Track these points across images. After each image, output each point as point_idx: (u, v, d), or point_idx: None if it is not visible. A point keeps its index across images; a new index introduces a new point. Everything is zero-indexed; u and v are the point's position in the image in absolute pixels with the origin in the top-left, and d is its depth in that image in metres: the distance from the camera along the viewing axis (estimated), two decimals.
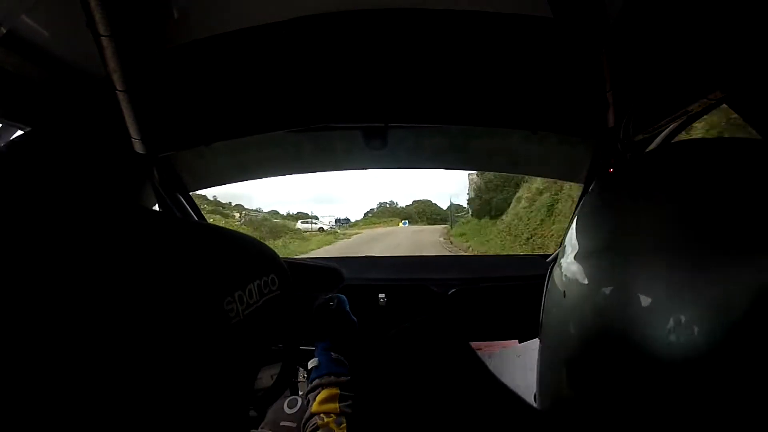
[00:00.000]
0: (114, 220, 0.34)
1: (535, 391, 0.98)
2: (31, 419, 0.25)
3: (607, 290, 0.36)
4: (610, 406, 0.34)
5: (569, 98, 1.14)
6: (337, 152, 1.54)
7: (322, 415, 0.72)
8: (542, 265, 1.51)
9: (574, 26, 0.98)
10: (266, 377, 0.84)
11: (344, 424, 0.71)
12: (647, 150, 1.08)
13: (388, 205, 38.40)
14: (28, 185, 0.45)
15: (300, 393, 0.90)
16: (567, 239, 0.45)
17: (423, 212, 33.44)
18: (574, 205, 1.46)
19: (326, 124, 1.31)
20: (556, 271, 0.46)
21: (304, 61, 1.14)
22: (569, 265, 0.43)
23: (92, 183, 0.53)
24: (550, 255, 1.50)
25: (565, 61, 1.07)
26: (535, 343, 1.13)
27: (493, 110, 1.22)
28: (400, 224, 28.98)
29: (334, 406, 0.73)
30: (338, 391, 0.75)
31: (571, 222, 1.52)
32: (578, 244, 0.43)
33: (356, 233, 24.62)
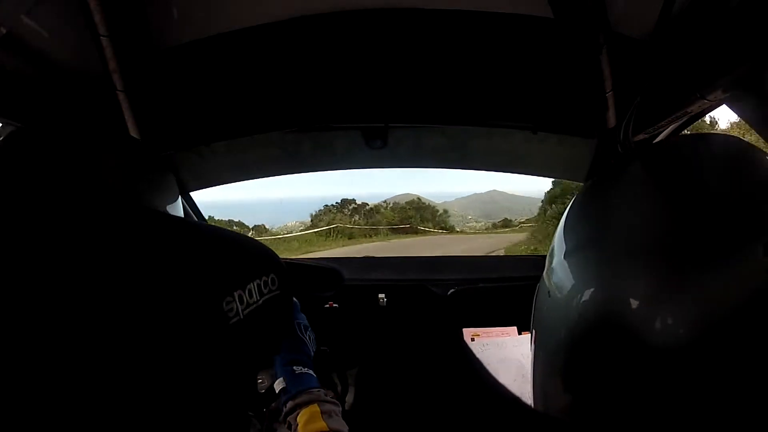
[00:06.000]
0: (114, 220, 0.34)
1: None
2: (31, 418, 0.25)
3: (591, 290, 0.36)
4: (598, 405, 0.34)
5: (569, 98, 1.14)
6: (337, 152, 1.54)
7: None
8: (542, 265, 1.50)
9: (574, 26, 0.98)
10: (266, 378, 0.84)
11: None
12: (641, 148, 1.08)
13: None
14: (26, 186, 0.45)
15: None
16: (555, 238, 0.45)
17: None
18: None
19: (326, 124, 1.32)
20: (545, 271, 0.46)
21: (304, 61, 1.14)
22: (556, 264, 0.42)
23: (91, 183, 0.53)
24: None
25: (565, 61, 1.07)
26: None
27: (493, 110, 1.22)
28: None
29: (321, 424, 0.68)
30: (318, 408, 0.70)
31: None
32: (564, 242, 0.43)
33: None
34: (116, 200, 0.50)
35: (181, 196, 1.41)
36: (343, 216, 16.17)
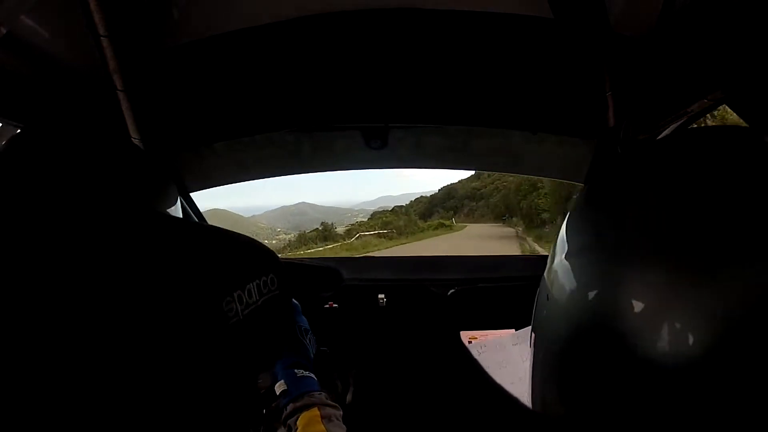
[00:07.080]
0: (114, 220, 0.34)
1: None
2: (31, 418, 0.25)
3: (594, 293, 0.34)
4: (597, 411, 0.34)
5: (569, 98, 1.14)
6: (337, 152, 1.54)
7: None
8: (542, 265, 1.50)
9: (574, 27, 0.99)
10: (266, 378, 0.84)
11: None
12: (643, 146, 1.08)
13: None
14: (26, 185, 0.45)
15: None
16: (557, 240, 0.44)
17: None
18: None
19: (327, 124, 1.32)
20: (545, 273, 0.46)
21: (304, 61, 1.15)
22: (557, 266, 0.41)
23: (92, 183, 0.53)
24: None
25: (565, 62, 1.07)
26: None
27: (493, 110, 1.22)
28: None
29: (320, 428, 0.68)
30: (318, 411, 0.70)
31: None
32: (566, 243, 0.42)
33: None
34: (117, 202, 0.50)
35: (181, 197, 1.41)
36: None
